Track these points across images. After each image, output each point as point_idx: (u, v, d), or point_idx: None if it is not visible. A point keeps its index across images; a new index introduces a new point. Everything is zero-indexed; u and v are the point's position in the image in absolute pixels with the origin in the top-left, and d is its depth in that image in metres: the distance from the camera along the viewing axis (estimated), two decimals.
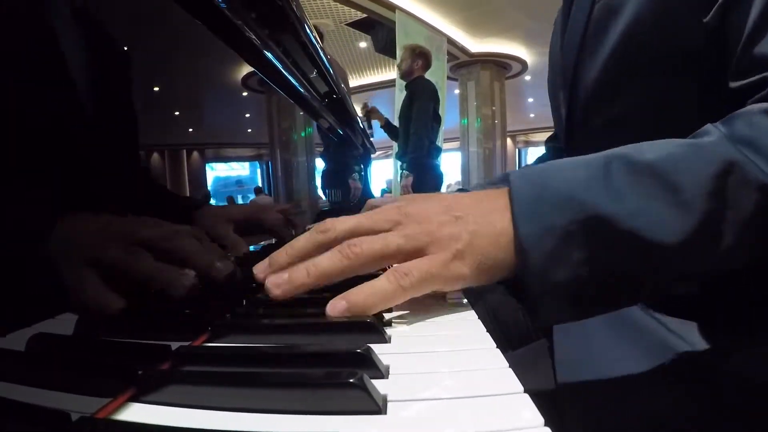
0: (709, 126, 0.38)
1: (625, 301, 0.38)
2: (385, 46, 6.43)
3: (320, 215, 1.03)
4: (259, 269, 0.36)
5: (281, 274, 0.35)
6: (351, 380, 0.23)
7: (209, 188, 0.75)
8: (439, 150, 3.67)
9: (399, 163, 3.71)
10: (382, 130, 3.68)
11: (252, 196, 0.96)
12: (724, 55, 0.47)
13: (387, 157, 6.30)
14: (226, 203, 0.82)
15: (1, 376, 0.26)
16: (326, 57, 1.04)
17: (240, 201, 0.88)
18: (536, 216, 0.34)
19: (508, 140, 8.39)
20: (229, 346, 0.32)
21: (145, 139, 0.53)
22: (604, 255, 0.33)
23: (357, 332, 0.32)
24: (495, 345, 0.31)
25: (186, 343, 0.32)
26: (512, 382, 0.25)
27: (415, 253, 0.35)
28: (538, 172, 0.37)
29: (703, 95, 0.53)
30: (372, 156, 2.04)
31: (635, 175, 0.35)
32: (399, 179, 3.84)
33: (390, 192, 6.09)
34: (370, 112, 3.55)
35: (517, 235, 0.34)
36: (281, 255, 0.36)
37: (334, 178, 1.49)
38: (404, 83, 3.63)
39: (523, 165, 11.97)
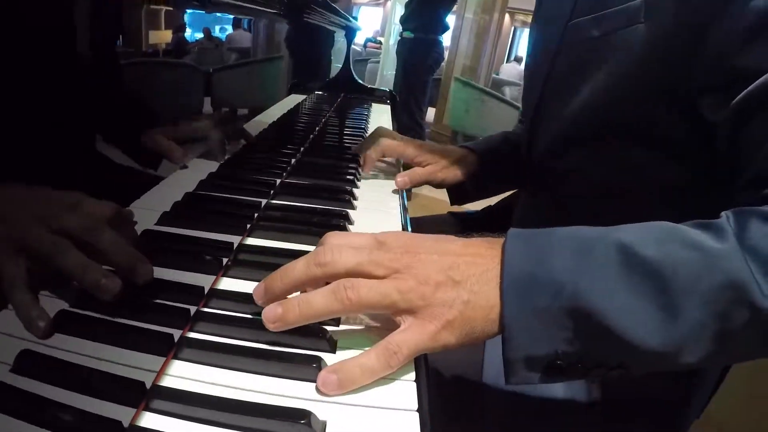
0: (723, 221, 0.38)
1: (593, 377, 0.42)
2: None
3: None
4: (257, 294, 0.38)
5: (275, 309, 0.35)
6: None
7: (185, 20, 0.77)
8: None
9: (400, 28, 3.33)
10: None
11: (229, 29, 0.97)
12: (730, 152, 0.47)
13: (378, 5, 5.93)
14: (203, 34, 0.83)
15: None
16: None
17: (217, 33, 0.89)
18: (524, 297, 0.35)
19: (507, 16, 7.95)
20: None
21: None
22: (585, 342, 0.35)
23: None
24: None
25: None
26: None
27: (406, 311, 0.36)
28: (535, 242, 0.38)
29: (671, 169, 0.55)
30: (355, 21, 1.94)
31: (632, 270, 0.35)
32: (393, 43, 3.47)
33: (376, 43, 5.80)
34: None
35: (503, 313, 0.35)
36: (276, 282, 0.37)
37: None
38: None
39: (515, 46, 11.27)
